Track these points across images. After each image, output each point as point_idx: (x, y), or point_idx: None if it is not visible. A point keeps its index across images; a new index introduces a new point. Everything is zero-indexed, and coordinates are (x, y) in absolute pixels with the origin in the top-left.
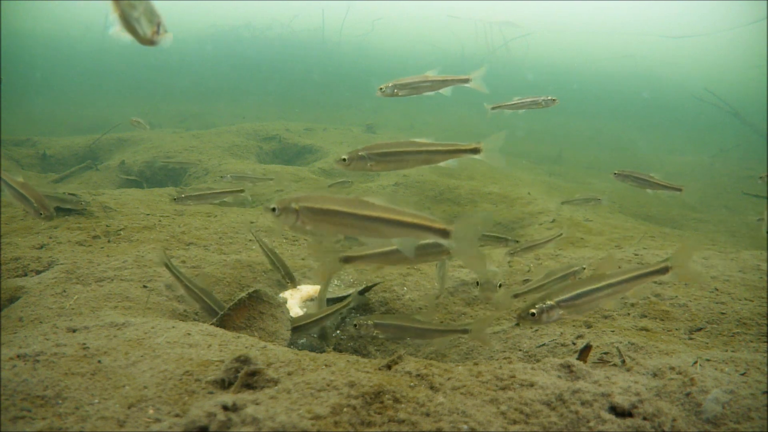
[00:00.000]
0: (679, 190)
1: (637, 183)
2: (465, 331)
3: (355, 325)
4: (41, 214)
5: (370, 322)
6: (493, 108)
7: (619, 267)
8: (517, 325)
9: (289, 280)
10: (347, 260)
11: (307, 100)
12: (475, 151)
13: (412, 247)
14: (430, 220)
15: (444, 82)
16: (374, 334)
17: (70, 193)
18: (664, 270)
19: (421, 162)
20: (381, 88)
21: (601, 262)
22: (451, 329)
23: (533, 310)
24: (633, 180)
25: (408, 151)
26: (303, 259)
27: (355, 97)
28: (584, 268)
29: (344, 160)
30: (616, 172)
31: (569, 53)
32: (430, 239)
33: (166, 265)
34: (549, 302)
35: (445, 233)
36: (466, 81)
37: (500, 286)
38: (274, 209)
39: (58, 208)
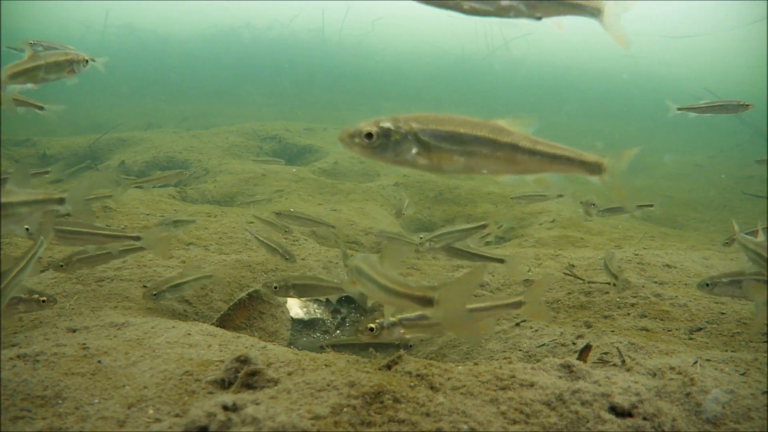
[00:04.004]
0: None
1: None
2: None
3: (275, 287)
4: None
5: (289, 283)
6: (679, 109)
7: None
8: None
9: (288, 257)
10: None
11: (308, 100)
12: (137, 238)
13: None
14: None
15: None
16: (291, 295)
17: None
18: (518, 304)
19: None
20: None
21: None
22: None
23: (372, 326)
24: None
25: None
26: (303, 259)
27: (355, 97)
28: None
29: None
30: None
31: (569, 53)
32: None
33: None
34: (392, 319)
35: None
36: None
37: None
38: None
39: None
